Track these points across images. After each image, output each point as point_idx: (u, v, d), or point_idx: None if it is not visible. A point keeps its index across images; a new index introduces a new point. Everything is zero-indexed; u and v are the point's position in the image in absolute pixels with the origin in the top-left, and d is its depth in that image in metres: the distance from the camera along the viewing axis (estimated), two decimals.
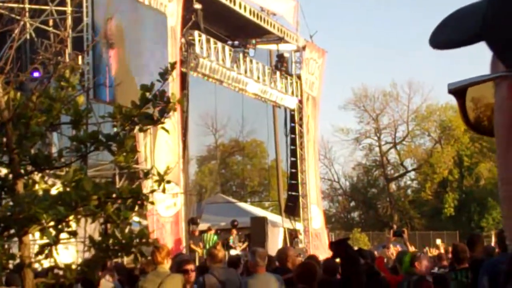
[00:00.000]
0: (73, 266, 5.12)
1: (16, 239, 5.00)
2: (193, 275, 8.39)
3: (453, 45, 0.92)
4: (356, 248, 10.42)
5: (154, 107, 4.88)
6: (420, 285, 8.23)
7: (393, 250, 19.51)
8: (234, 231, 25.20)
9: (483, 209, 55.31)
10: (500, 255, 8.21)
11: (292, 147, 32.19)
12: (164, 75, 4.91)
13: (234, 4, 25.83)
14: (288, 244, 28.32)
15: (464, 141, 58.70)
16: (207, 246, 21.35)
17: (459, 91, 0.93)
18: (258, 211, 33.66)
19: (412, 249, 10.97)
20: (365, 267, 8.46)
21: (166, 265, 7.90)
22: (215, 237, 22.45)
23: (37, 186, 5.09)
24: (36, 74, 17.29)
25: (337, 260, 8.59)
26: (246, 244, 25.02)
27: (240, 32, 28.63)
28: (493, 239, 21.45)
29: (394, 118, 62.52)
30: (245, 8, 26.63)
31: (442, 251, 24.96)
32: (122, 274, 10.23)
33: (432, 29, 0.96)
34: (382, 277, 9.09)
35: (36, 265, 5.27)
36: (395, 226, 56.66)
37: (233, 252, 22.73)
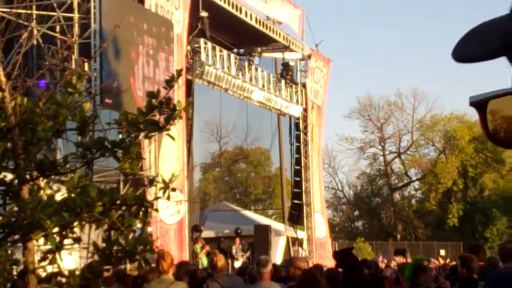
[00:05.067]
0: (77, 272, 5.11)
1: (19, 244, 5.00)
2: None
3: (476, 59, 0.93)
4: (360, 258, 10.41)
5: (160, 114, 4.89)
6: None
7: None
8: (238, 241, 25.15)
9: (487, 220, 55.20)
10: (505, 267, 8.17)
11: (297, 156, 32.19)
12: (170, 82, 4.92)
13: (240, 12, 25.89)
14: (292, 253, 28.29)
15: (468, 152, 58.63)
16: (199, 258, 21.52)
17: (480, 103, 0.94)
18: (262, 219, 33.62)
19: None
20: (369, 277, 8.44)
21: (170, 272, 7.91)
22: (198, 249, 22.37)
23: (42, 192, 5.09)
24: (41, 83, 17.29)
25: (340, 269, 8.56)
26: (248, 253, 24.96)
27: (246, 40, 28.67)
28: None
29: (399, 127, 62.61)
30: (251, 16, 26.69)
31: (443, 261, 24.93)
32: (124, 281, 10.20)
33: (455, 42, 0.97)
34: None
35: (40, 271, 5.27)
36: (398, 236, 56.58)
37: (237, 264, 22.71)
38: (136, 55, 19.58)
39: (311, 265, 16.70)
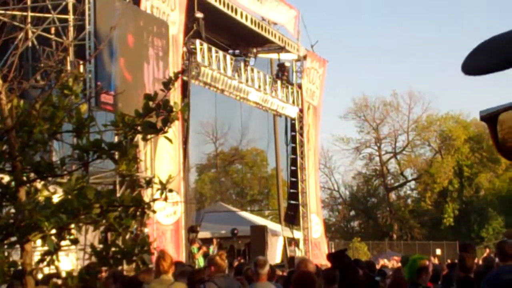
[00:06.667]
0: (74, 274, 5.12)
1: (17, 246, 5.00)
2: None
3: (486, 71, 0.93)
4: (353, 258, 10.41)
5: (157, 116, 4.89)
6: None
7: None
8: (215, 241, 25.17)
9: (483, 220, 55.28)
10: (502, 266, 8.19)
11: (293, 156, 32.19)
12: (167, 84, 4.93)
13: (236, 13, 25.89)
14: (288, 254, 28.31)
15: (464, 151, 58.70)
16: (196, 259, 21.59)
17: (490, 117, 0.94)
18: (258, 220, 33.64)
19: None
20: (363, 277, 8.44)
21: (170, 273, 7.91)
22: (195, 249, 22.45)
23: (39, 194, 5.10)
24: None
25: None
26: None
27: (241, 41, 28.68)
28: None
29: (395, 127, 62.67)
30: (246, 17, 26.69)
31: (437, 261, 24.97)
32: (121, 282, 10.19)
33: (465, 54, 0.97)
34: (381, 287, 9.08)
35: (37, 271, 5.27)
36: (394, 236, 56.62)
37: None
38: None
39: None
